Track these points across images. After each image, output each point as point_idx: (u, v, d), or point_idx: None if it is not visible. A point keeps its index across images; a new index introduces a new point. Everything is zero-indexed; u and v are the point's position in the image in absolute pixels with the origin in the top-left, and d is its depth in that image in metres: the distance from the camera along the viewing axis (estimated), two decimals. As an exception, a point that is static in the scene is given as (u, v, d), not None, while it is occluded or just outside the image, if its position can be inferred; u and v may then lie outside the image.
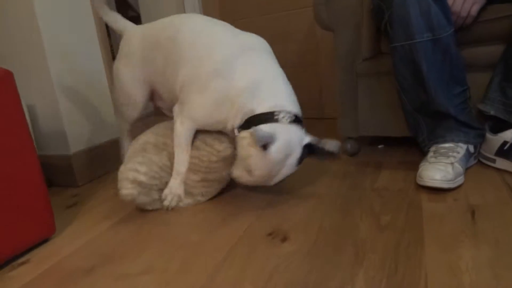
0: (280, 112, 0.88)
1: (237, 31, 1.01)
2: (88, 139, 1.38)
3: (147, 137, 1.05)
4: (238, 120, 0.92)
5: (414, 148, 1.28)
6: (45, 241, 0.93)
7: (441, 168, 0.94)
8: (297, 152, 0.89)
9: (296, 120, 0.90)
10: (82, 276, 0.75)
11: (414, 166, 1.11)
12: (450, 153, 0.97)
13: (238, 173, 0.92)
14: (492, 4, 1.02)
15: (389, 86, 1.19)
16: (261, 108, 0.89)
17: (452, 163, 0.95)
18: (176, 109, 1.02)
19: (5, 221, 0.81)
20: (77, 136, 1.34)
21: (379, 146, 1.37)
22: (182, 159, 1.01)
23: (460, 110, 1.02)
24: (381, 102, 1.21)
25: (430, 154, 1.01)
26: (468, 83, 1.03)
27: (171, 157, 1.03)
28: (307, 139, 0.91)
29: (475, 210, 0.83)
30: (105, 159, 1.43)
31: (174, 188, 1.02)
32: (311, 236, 0.80)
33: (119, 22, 1.17)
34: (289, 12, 1.92)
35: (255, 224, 0.89)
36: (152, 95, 1.16)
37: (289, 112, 0.89)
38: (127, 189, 0.95)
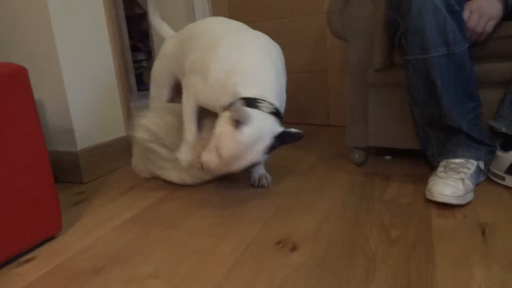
0: (263, 101, 0.94)
1: (248, 29, 1.11)
2: (95, 136, 1.38)
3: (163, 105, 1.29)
4: (225, 102, 0.98)
5: (422, 161, 1.28)
6: (50, 238, 0.92)
7: (451, 183, 0.93)
8: (266, 140, 0.93)
9: (276, 113, 0.96)
10: (90, 276, 0.75)
11: (422, 180, 1.11)
12: (461, 169, 0.97)
13: (207, 157, 0.97)
14: (507, 20, 1.02)
15: (400, 98, 1.19)
16: (246, 93, 0.95)
17: (462, 179, 0.94)
18: (184, 81, 1.15)
19: (12, 217, 0.81)
20: (84, 133, 1.33)
21: (386, 157, 1.37)
22: (188, 128, 1.15)
23: (472, 125, 1.02)
24: (392, 114, 1.21)
25: (440, 168, 1.01)
26: (480, 99, 1.04)
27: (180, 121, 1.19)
28: (279, 130, 0.95)
29: (485, 228, 0.82)
30: (110, 157, 1.43)
31: (182, 153, 1.15)
32: (320, 247, 0.80)
33: (164, 29, 1.40)
34: (299, 18, 1.92)
35: (263, 232, 0.88)
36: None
37: (271, 104, 0.95)
38: (141, 134, 1.15)
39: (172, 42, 1.30)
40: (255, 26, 2.05)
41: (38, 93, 1.28)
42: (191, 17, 2.23)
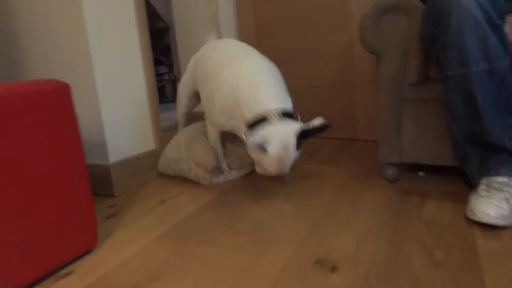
0: (267, 114, 1.03)
1: (246, 53, 1.22)
2: (126, 150, 1.40)
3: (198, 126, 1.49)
4: (243, 129, 1.09)
5: (458, 178, 1.24)
6: (87, 252, 0.93)
7: (495, 203, 0.90)
8: (293, 142, 1.01)
9: (285, 114, 1.04)
10: (128, 293, 0.75)
11: (461, 198, 1.07)
12: (505, 188, 0.94)
13: (259, 170, 1.11)
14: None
15: (436, 113, 1.16)
16: (250, 114, 1.05)
17: (507, 199, 0.91)
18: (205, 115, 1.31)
19: (52, 230, 0.81)
20: (116, 147, 1.35)
21: (420, 173, 1.33)
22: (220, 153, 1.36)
23: (515, 143, 0.98)
24: (427, 129, 1.18)
25: (482, 187, 0.98)
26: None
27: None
28: (298, 127, 1.03)
29: (536, 251, 0.79)
30: (140, 170, 1.44)
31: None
32: (361, 269, 0.77)
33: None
34: (326, 32, 1.92)
35: (299, 250, 0.87)
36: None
37: (274, 110, 1.03)
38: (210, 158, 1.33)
39: (193, 60, 1.48)
40: (281, 41, 2.07)
41: (76, 108, 1.31)
42: (217, 34, 2.26)
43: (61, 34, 1.28)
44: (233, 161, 1.43)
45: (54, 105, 0.80)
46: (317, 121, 1.05)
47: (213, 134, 1.32)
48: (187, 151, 1.40)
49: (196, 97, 1.52)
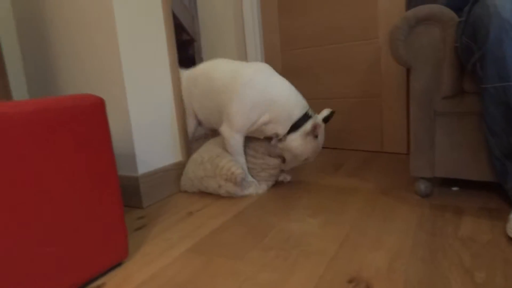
0: (309, 110, 1.37)
1: (245, 63, 1.43)
2: (154, 161, 1.41)
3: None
4: (285, 129, 1.35)
5: (495, 193, 1.19)
6: (118, 264, 0.93)
7: (539, 222, 0.85)
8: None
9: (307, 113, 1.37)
10: (159, 308, 0.74)
11: (499, 215, 1.03)
12: (548, 206, 0.89)
13: (292, 164, 1.45)
14: None
15: (471, 126, 1.12)
16: (297, 115, 1.34)
17: (552, 218, 0.86)
18: (223, 127, 1.40)
19: (86, 243, 0.82)
20: (144, 158, 1.37)
21: (453, 188, 1.29)
22: (242, 162, 1.41)
23: (558, 159, 0.94)
24: (461, 143, 1.15)
25: (523, 204, 0.93)
26: None
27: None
28: (320, 120, 1.39)
29: None
30: (168, 181, 1.45)
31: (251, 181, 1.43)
32: (398, 288, 0.74)
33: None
34: (353, 43, 1.91)
35: (331, 268, 0.85)
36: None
37: (310, 108, 1.39)
38: (238, 169, 1.33)
39: (185, 80, 1.58)
40: (306, 53, 2.07)
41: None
42: (242, 45, 2.28)
43: (95, 50, 1.31)
44: (257, 173, 1.43)
45: (90, 119, 0.82)
46: (325, 112, 1.43)
47: (238, 142, 1.38)
48: (213, 169, 1.38)
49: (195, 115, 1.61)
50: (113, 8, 1.23)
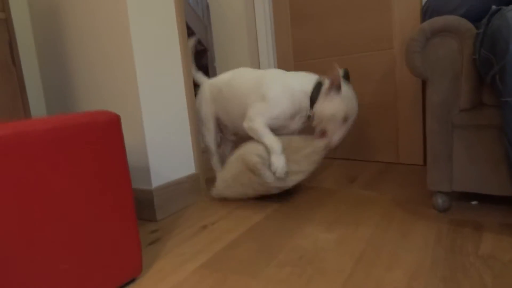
0: (319, 80, 1.43)
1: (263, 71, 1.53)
2: (168, 174, 1.42)
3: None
4: (307, 107, 1.41)
5: (516, 208, 1.16)
6: (132, 280, 0.93)
7: None
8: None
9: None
10: (173, 327, 0.74)
11: (522, 232, 1.00)
12: None
13: (337, 137, 1.38)
14: None
15: (490, 139, 1.09)
16: (309, 87, 1.41)
17: None
18: (249, 113, 1.43)
19: (100, 259, 0.83)
20: (158, 171, 1.37)
21: (473, 203, 1.25)
22: (270, 140, 1.34)
23: None
24: (481, 156, 1.12)
25: (547, 222, 0.90)
26: None
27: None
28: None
29: None
30: (182, 194, 1.45)
31: (276, 163, 1.31)
32: (417, 311, 0.72)
33: (195, 76, 1.75)
34: (367, 53, 1.89)
35: (347, 287, 0.83)
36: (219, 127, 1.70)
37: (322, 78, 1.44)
38: (254, 158, 1.29)
39: (208, 88, 1.68)
40: (319, 63, 2.06)
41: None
42: (255, 55, 2.28)
43: (110, 65, 1.33)
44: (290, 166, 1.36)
45: (105, 135, 0.82)
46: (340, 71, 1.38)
47: (261, 122, 1.38)
48: (242, 164, 1.36)
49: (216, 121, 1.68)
50: (128, 23, 1.25)
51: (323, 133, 1.41)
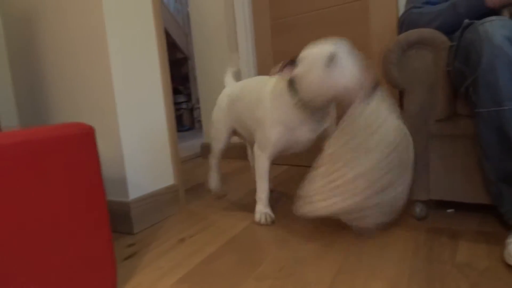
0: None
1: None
2: (145, 185, 1.39)
3: None
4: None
5: (491, 216, 1.18)
6: (106, 298, 0.90)
7: (537, 248, 0.84)
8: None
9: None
10: None
11: (495, 239, 1.02)
12: (546, 232, 0.88)
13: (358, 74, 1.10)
14: None
15: (465, 149, 1.12)
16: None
17: (549, 244, 0.85)
18: (255, 146, 1.34)
19: (72, 275, 0.79)
20: (136, 183, 1.34)
21: (449, 211, 1.27)
22: (262, 187, 1.33)
23: (554, 183, 0.93)
24: (456, 166, 1.14)
25: (520, 230, 0.92)
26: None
27: None
28: None
29: None
30: (160, 206, 1.42)
31: (261, 209, 1.32)
32: (396, 323, 0.72)
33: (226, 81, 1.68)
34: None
35: (328, 299, 0.82)
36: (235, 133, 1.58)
37: None
38: None
39: (225, 98, 1.55)
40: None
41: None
42: (236, 63, 2.28)
43: (87, 75, 1.30)
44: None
45: (78, 149, 0.80)
46: None
47: (264, 163, 1.31)
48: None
49: (231, 132, 1.56)
50: (105, 33, 1.22)
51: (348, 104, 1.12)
